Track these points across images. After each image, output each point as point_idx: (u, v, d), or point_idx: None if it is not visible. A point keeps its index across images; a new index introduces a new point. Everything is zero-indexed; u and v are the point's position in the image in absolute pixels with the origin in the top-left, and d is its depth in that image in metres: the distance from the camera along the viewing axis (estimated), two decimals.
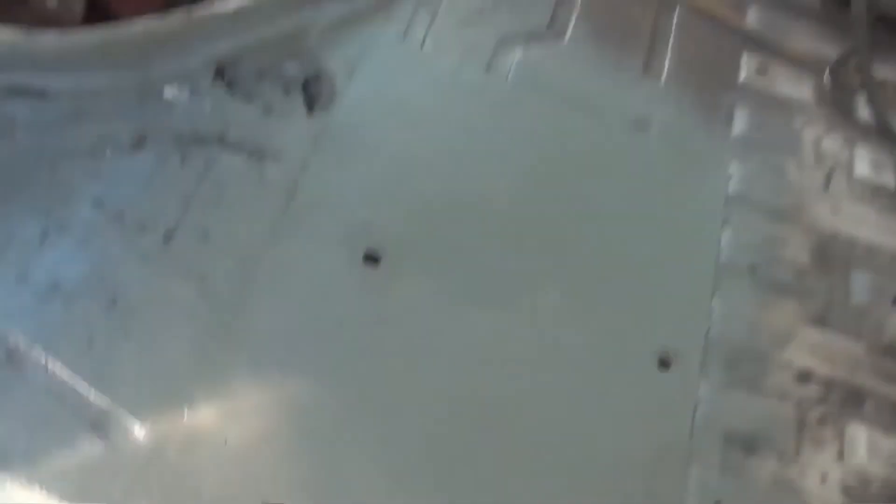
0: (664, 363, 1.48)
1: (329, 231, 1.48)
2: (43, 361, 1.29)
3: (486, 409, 1.39)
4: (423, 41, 1.71)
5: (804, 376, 1.52)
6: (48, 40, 1.50)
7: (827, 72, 1.89)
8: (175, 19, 1.57)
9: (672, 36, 1.86)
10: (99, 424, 1.27)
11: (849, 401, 1.51)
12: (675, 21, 1.88)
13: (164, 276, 1.39)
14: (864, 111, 1.87)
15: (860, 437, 1.47)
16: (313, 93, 1.61)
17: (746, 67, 1.87)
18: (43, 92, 1.51)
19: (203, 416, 1.30)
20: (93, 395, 1.28)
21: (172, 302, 1.38)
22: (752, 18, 1.95)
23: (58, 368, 1.29)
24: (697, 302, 1.55)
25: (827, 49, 1.92)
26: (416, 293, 1.46)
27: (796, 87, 1.87)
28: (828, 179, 1.76)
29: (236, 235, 1.45)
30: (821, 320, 1.59)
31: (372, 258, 1.48)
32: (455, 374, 1.41)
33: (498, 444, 1.36)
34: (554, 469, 1.36)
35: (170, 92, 1.55)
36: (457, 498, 1.31)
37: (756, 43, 1.90)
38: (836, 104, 1.85)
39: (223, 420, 1.30)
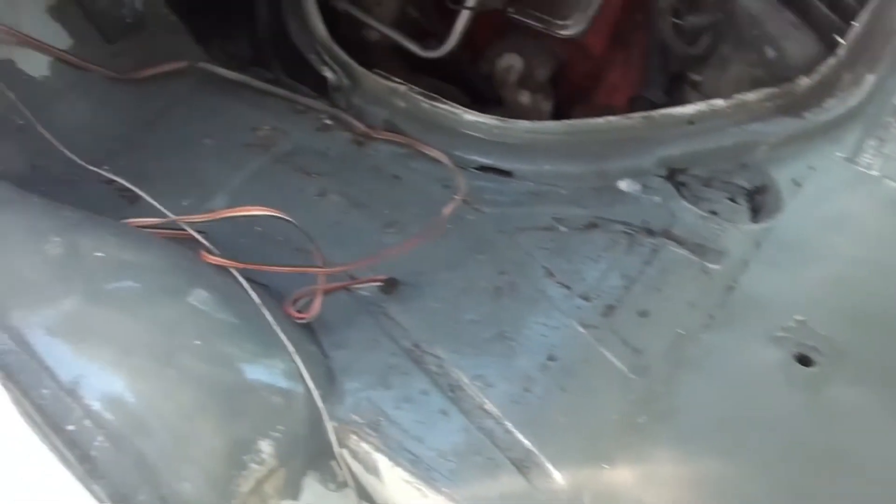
0: None
1: (764, 327, 1.47)
2: (480, 399, 1.37)
3: None
4: (871, 164, 1.70)
5: None
6: (521, 128, 1.65)
7: None
8: (636, 120, 1.68)
9: None
10: (522, 464, 1.31)
11: None
12: None
13: (602, 344, 1.44)
14: None
15: None
16: (759, 202, 1.64)
17: None
18: (510, 172, 1.66)
19: (622, 476, 1.31)
20: (520, 437, 1.34)
21: (607, 368, 1.42)
22: None
23: (492, 408, 1.36)
24: None
25: None
26: (851, 401, 1.41)
27: None
28: None
29: (674, 318, 1.48)
30: None
31: (805, 359, 1.45)
32: (883, 485, 1.33)
33: None
34: None
35: (623, 185, 1.65)
36: None
37: None
38: None
39: (641, 483, 1.30)
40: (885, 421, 1.40)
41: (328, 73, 1.93)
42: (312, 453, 1.34)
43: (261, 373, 1.33)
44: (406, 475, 1.30)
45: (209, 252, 1.42)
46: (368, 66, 1.93)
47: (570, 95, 2.22)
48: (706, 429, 1.37)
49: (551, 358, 1.42)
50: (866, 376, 1.44)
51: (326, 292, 1.44)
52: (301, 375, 1.33)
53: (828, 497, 1.32)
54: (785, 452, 1.35)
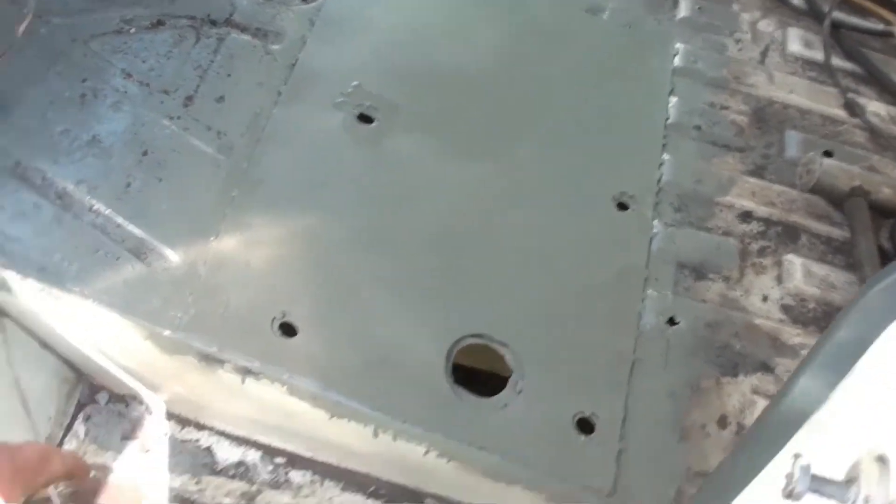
0: (622, 205, 1.70)
1: (326, 96, 1.70)
2: (87, 201, 1.50)
3: (468, 242, 1.61)
4: None
5: (745, 216, 1.75)
6: None
7: None
8: None
9: None
10: (138, 251, 1.48)
11: (785, 236, 1.74)
12: None
13: (187, 132, 1.61)
14: None
15: (796, 265, 1.70)
16: None
17: None
18: None
19: (228, 245, 1.51)
20: (132, 229, 1.49)
21: (195, 153, 1.59)
22: None
23: (101, 207, 1.50)
24: (650, 156, 1.78)
25: None
26: (406, 147, 1.69)
27: None
28: (764, 55, 1.99)
29: (247, 99, 1.67)
30: (759, 171, 1.82)
31: (365, 118, 1.70)
32: (443, 212, 1.63)
33: (482, 266, 1.58)
34: (533, 284, 1.58)
35: None
36: (442, 311, 1.53)
37: None
38: None
39: (245, 247, 1.52)
40: (432, 159, 1.69)
41: None
42: None
43: None
44: (37, 284, 1.42)
45: None
46: None
47: None
48: (290, 191, 1.59)
49: (144, 153, 1.57)
50: (417, 124, 1.72)
51: None
52: None
53: (396, 228, 1.60)
54: (358, 199, 1.61)
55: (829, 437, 0.70)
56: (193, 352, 1.43)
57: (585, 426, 1.47)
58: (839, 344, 0.80)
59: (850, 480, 0.65)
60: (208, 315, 1.45)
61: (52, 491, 1.44)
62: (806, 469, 0.64)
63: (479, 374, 1.56)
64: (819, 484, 0.65)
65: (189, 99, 1.65)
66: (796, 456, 0.65)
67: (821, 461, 0.67)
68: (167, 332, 1.42)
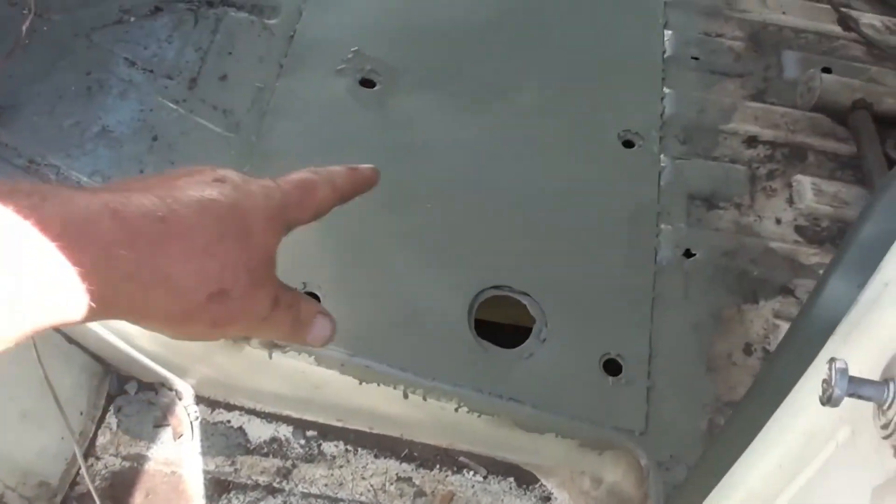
0: (628, 143, 1.72)
1: (327, 64, 1.72)
2: None
3: (479, 194, 1.63)
4: None
5: (751, 141, 1.77)
6: None
7: None
8: None
9: None
10: None
11: (792, 156, 1.76)
12: None
13: (194, 114, 1.63)
14: None
15: (806, 184, 1.71)
16: None
17: None
18: None
19: None
20: None
21: (204, 133, 1.62)
22: None
23: None
24: (651, 91, 1.80)
25: None
26: (410, 106, 1.71)
27: None
28: None
29: (249, 75, 1.69)
30: (759, 95, 1.83)
31: (368, 82, 1.72)
32: (453, 167, 1.65)
33: (496, 218, 1.61)
34: (548, 230, 1.60)
35: None
36: (461, 265, 1.55)
37: None
38: None
39: None
40: (438, 115, 1.71)
41: None
42: None
43: None
44: None
45: None
46: None
47: None
48: (301, 161, 1.54)
49: (154, 138, 1.60)
50: (418, 83, 1.74)
51: None
52: None
53: (408, 187, 1.62)
54: (368, 161, 1.59)
55: (862, 338, 0.72)
56: None
57: (612, 367, 1.49)
58: (864, 241, 0.81)
59: (887, 379, 0.67)
60: None
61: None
62: (843, 371, 0.65)
63: (503, 329, 1.58)
64: (856, 386, 0.66)
65: (193, 81, 1.67)
66: (832, 360, 0.66)
67: (856, 364, 0.68)
68: None
